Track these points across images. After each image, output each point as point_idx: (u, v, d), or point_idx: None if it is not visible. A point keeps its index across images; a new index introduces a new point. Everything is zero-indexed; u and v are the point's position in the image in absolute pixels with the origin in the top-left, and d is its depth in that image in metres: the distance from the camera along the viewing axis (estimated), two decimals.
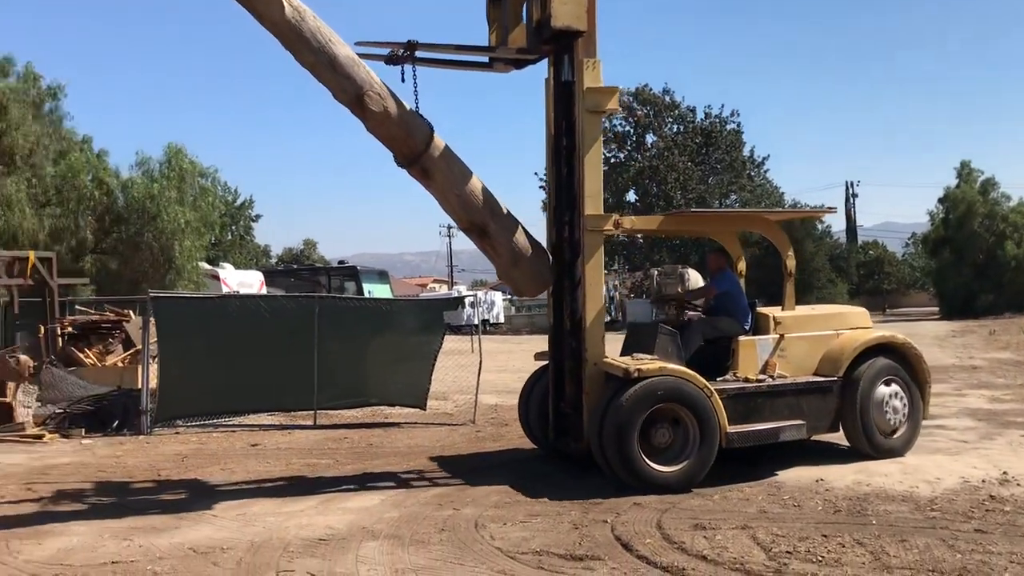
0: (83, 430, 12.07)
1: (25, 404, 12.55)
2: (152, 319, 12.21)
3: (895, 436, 8.90)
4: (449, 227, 73.76)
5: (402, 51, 8.01)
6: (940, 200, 50.65)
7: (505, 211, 8.27)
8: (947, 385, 15.39)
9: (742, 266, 10.00)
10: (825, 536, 6.26)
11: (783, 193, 52.95)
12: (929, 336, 29.86)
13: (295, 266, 49.04)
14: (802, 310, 9.52)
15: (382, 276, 36.14)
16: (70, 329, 14.29)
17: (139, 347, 13.09)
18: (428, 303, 13.65)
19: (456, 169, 8.01)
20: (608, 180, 50.52)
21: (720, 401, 7.96)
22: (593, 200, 8.27)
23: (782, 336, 8.86)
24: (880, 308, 63.13)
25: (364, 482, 8.65)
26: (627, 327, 9.79)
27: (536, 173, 53.03)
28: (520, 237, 8.31)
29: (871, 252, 66.89)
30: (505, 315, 50.18)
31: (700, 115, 51.29)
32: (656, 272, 41.83)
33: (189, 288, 24.90)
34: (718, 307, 9.33)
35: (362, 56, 7.84)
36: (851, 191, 69.23)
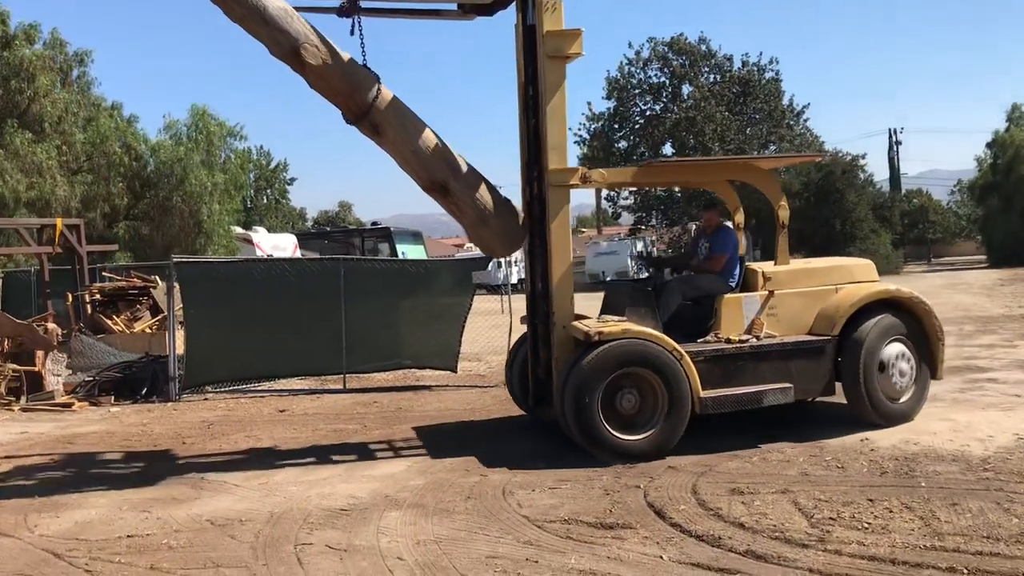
0: (112, 397, 12.01)
1: (55, 372, 12.48)
2: (176, 284, 12.06)
3: (901, 400, 8.19)
4: None
5: (347, 2, 7.55)
6: (988, 145, 49.29)
7: (466, 167, 7.81)
8: (997, 336, 14.85)
9: (740, 218, 9.34)
10: (871, 500, 5.90)
11: (823, 142, 51.67)
12: (976, 285, 29.11)
13: (329, 228, 48.97)
14: (797, 264, 8.74)
15: (416, 237, 35.89)
16: (98, 296, 14.20)
17: (166, 313, 12.94)
18: (456, 263, 13.37)
19: (409, 124, 7.57)
20: (644, 133, 49.80)
21: (692, 364, 7.45)
22: (557, 152, 7.74)
23: (771, 293, 8.19)
24: (925, 258, 61.98)
25: (390, 448, 8.43)
26: (605, 287, 9.22)
27: (570, 128, 52.31)
28: (485, 194, 7.83)
29: (915, 201, 65.35)
30: None
31: (737, 64, 50.14)
32: (694, 227, 41.11)
33: (220, 252, 24.88)
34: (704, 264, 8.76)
35: (310, 9, 7.49)
36: (894, 138, 67.58)
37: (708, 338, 8.02)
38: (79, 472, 8.03)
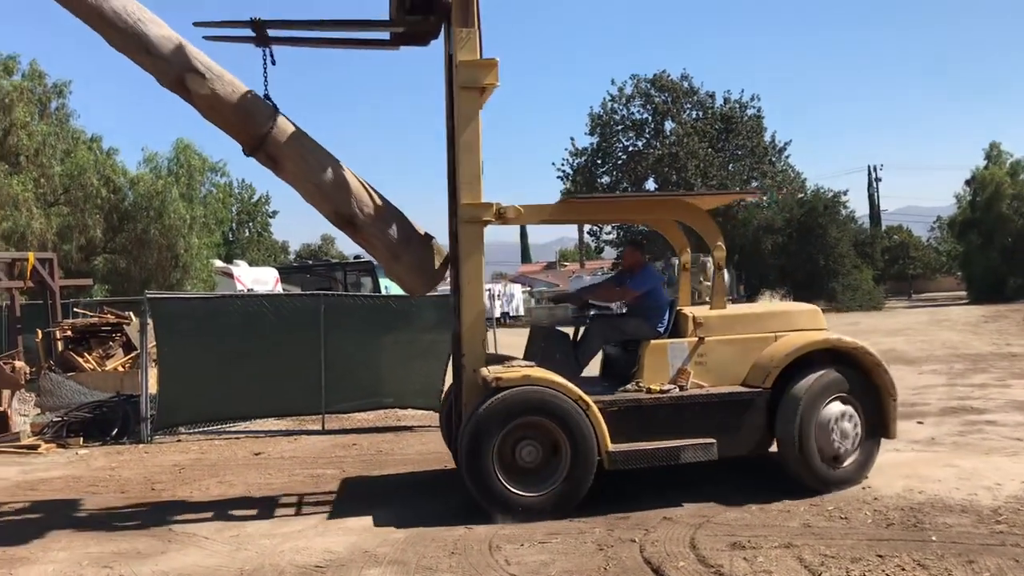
0: (81, 439, 11.52)
1: (22, 413, 12.02)
2: (150, 321, 11.65)
3: (845, 464, 7.36)
4: None
5: (252, 31, 7.37)
6: (967, 182, 49.71)
7: (378, 201, 7.55)
8: (988, 375, 14.63)
9: (687, 258, 8.57)
10: (880, 556, 5.56)
11: (805, 179, 51.92)
12: (960, 322, 29.02)
13: (310, 262, 48.46)
14: (734, 309, 8.10)
15: None
16: (69, 333, 13.74)
17: (140, 351, 12.50)
18: (440, 299, 12.98)
19: (311, 157, 7.34)
20: (627, 169, 49.81)
21: (599, 415, 6.87)
22: (470, 187, 7.25)
23: (701, 339, 7.55)
24: (906, 293, 62.19)
25: (370, 496, 8.02)
26: (531, 329, 8.54)
27: (553, 163, 52.30)
28: (397, 229, 7.55)
29: (896, 237, 65.81)
30: (525, 307, 49.52)
31: (719, 101, 50.40)
32: (675, 262, 40.92)
33: (198, 286, 24.45)
34: (629, 307, 8.18)
35: (226, 39, 7.40)
36: (874, 175, 68.17)
37: (628, 387, 7.42)
38: (39, 522, 7.57)
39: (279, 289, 27.19)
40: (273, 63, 7.43)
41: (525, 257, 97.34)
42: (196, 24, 7.28)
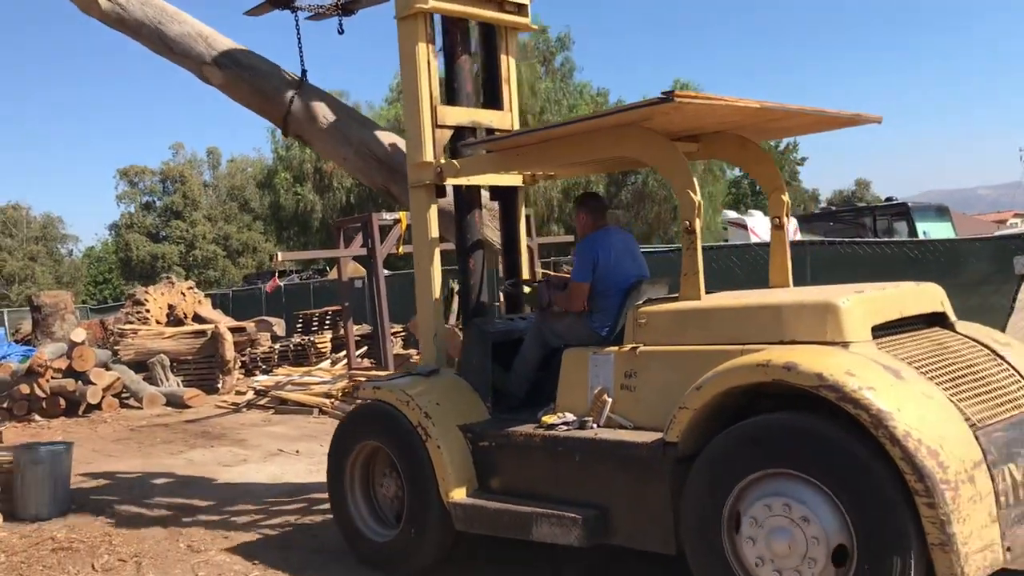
0: None
1: None
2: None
3: None
4: None
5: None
6: None
7: None
8: None
9: (781, 210, 5.35)
10: None
11: None
12: None
13: (834, 208, 44.51)
14: (714, 299, 4.60)
15: (940, 213, 30.25)
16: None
17: None
18: (974, 242, 9.69)
19: (336, 132, 6.84)
20: None
21: (443, 450, 5.03)
22: (414, 142, 5.68)
23: (634, 349, 4.59)
24: None
25: None
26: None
27: None
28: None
29: None
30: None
31: None
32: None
33: (705, 238, 22.83)
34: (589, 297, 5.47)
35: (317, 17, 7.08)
36: None
37: (540, 415, 5.03)
38: None
39: (798, 238, 24.64)
40: (341, 32, 7.16)
41: None
42: (247, 13, 7.20)
